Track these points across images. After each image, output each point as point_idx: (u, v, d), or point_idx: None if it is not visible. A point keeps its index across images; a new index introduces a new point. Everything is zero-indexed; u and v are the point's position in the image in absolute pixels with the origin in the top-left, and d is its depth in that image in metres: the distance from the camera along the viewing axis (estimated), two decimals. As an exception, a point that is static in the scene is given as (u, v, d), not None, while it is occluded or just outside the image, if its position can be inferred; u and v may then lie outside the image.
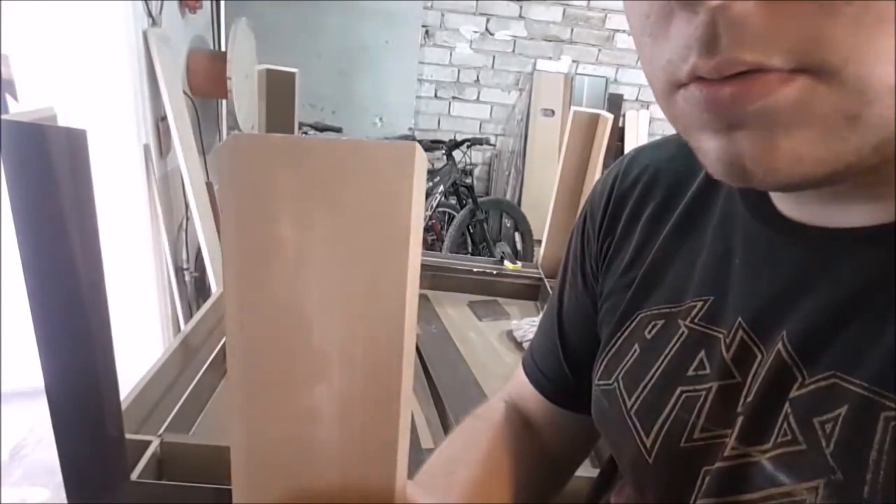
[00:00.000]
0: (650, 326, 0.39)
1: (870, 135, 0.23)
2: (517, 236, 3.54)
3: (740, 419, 0.32)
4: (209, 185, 2.27)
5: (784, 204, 0.33)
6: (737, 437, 0.32)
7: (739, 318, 0.34)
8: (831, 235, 0.30)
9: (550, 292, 1.29)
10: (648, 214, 0.42)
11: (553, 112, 3.61)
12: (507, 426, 0.52)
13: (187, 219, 2.26)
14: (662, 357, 0.38)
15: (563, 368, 0.51)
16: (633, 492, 0.42)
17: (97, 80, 1.85)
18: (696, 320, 0.36)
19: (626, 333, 0.41)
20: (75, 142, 0.46)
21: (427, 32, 3.48)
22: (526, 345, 1.13)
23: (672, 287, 0.39)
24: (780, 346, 0.31)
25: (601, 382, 0.42)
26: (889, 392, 0.26)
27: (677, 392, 0.36)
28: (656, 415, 0.37)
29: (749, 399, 0.32)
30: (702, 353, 0.36)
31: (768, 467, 0.30)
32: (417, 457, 0.69)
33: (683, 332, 0.37)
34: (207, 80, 2.44)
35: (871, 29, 0.21)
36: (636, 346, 0.40)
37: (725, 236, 0.36)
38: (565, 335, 0.51)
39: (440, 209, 3.24)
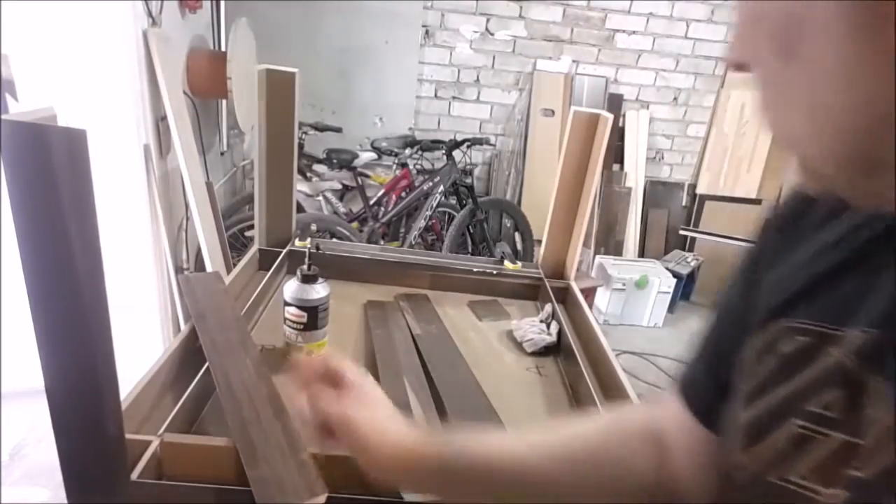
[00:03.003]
0: (792, 342, 0.35)
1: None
2: (517, 236, 3.55)
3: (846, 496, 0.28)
4: (209, 185, 2.26)
5: None
6: None
7: None
8: None
9: (550, 292, 1.29)
10: (825, 234, 0.37)
11: (553, 112, 3.61)
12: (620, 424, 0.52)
13: (187, 219, 2.26)
14: (794, 378, 0.33)
15: (711, 379, 0.46)
16: None
17: (97, 80, 1.85)
18: (850, 354, 0.31)
19: (766, 341, 0.37)
20: (75, 142, 0.46)
21: (427, 32, 3.48)
22: (526, 345, 1.13)
23: (834, 305, 0.33)
24: None
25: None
26: None
27: (790, 422, 0.32)
28: (763, 436, 0.34)
29: (864, 475, 0.28)
30: (837, 394, 0.31)
31: None
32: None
33: (829, 362, 0.32)
34: (207, 80, 2.44)
35: None
36: (772, 358, 0.36)
37: None
38: (717, 343, 0.47)
39: (440, 209, 3.24)
